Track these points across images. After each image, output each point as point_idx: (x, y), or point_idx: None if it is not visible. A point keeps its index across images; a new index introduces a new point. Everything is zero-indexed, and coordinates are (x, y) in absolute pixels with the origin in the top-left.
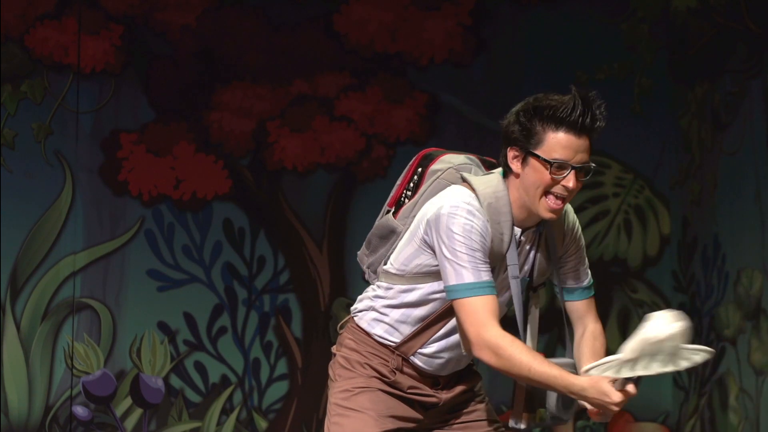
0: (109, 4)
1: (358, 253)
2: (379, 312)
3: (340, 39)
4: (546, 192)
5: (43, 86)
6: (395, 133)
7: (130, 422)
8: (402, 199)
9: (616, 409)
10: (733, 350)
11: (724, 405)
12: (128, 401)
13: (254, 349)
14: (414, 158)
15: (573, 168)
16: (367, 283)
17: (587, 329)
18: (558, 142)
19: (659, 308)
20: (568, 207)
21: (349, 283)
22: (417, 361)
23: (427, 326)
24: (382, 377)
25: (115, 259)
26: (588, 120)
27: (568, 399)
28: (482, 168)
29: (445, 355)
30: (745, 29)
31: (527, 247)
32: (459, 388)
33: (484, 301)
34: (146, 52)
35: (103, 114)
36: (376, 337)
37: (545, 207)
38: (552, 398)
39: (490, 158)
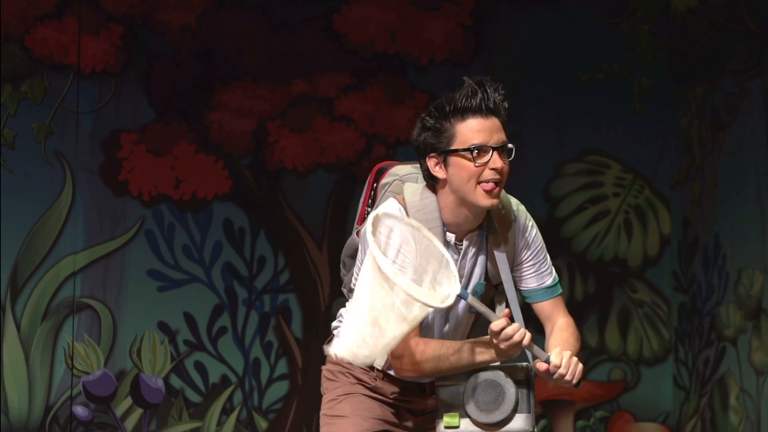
0: (109, 4)
1: (341, 272)
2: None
3: (340, 39)
4: (478, 182)
5: (43, 86)
6: (395, 133)
7: (131, 422)
8: (367, 215)
9: (513, 340)
10: (733, 350)
11: (725, 405)
12: (128, 401)
13: (254, 349)
14: (370, 174)
15: (494, 149)
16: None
17: (555, 324)
18: (470, 129)
19: (660, 308)
20: (519, 207)
21: None
22: (393, 373)
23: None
24: (364, 383)
25: (115, 259)
26: (489, 100)
27: (489, 400)
28: None
29: None
30: (746, 29)
31: (471, 252)
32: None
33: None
34: (146, 52)
35: (103, 114)
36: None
37: (481, 195)
38: (469, 401)
39: None
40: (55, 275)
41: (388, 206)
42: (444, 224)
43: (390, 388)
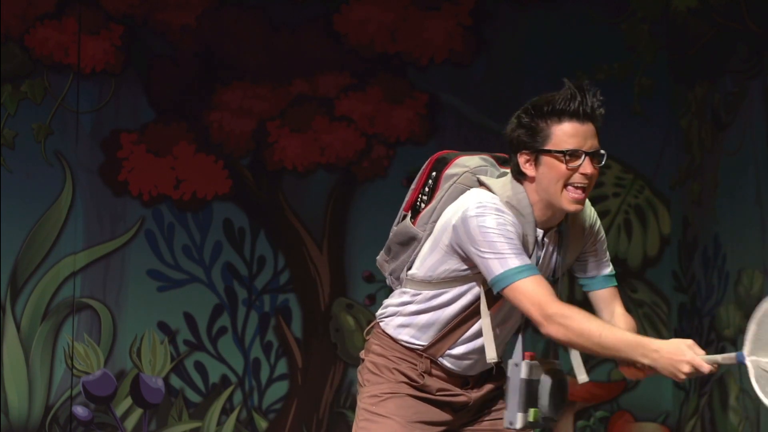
0: (109, 4)
1: (378, 258)
2: (406, 317)
3: (340, 39)
4: (566, 185)
5: (43, 86)
6: (395, 133)
7: (130, 422)
8: (418, 203)
9: (685, 370)
10: (733, 350)
11: (725, 405)
12: (128, 401)
13: (254, 349)
14: (427, 162)
15: (586, 154)
16: (367, 282)
17: (615, 312)
18: (565, 133)
19: (659, 308)
20: (591, 207)
21: (348, 283)
22: (445, 362)
23: (455, 326)
24: (410, 382)
25: (115, 259)
26: (588, 106)
27: (559, 398)
28: (497, 167)
29: (474, 356)
30: (746, 29)
31: (551, 248)
32: (488, 386)
33: (536, 281)
34: (146, 52)
35: (103, 114)
36: (403, 342)
37: (568, 200)
38: (545, 398)
39: (503, 154)
40: (55, 275)
41: (483, 196)
42: (535, 220)
43: (437, 385)
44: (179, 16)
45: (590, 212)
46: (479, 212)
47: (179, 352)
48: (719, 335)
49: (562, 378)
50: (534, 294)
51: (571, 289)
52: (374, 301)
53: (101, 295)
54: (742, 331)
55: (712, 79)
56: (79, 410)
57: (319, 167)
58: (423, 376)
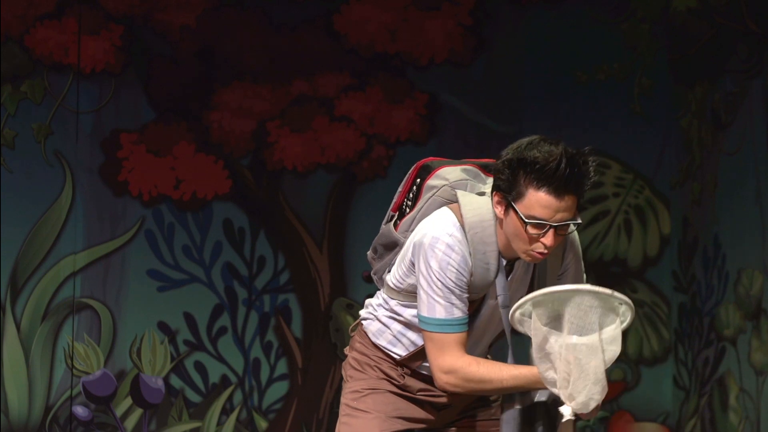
0: (109, 4)
1: (368, 254)
2: (382, 323)
3: (340, 39)
4: (532, 249)
5: (43, 86)
6: (395, 133)
7: (131, 422)
8: (404, 206)
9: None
10: (733, 350)
11: (725, 405)
12: (128, 401)
13: (254, 349)
14: (412, 168)
15: (551, 227)
16: (367, 282)
17: None
18: (537, 201)
19: (660, 308)
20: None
21: (348, 283)
22: (423, 372)
23: (423, 350)
24: (391, 380)
25: (115, 259)
26: (572, 182)
27: (551, 423)
28: (482, 177)
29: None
30: (746, 29)
31: (520, 272)
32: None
33: (453, 338)
34: (146, 52)
35: (103, 114)
36: (382, 348)
37: (525, 255)
38: (538, 426)
39: (489, 159)
40: (55, 275)
41: (443, 224)
42: (499, 249)
43: (417, 385)
44: (179, 16)
45: (569, 245)
46: (431, 245)
47: (179, 352)
48: (719, 335)
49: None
50: (441, 349)
51: None
52: None
53: (101, 295)
54: (742, 331)
55: (712, 79)
56: (79, 410)
57: (319, 167)
58: (403, 377)
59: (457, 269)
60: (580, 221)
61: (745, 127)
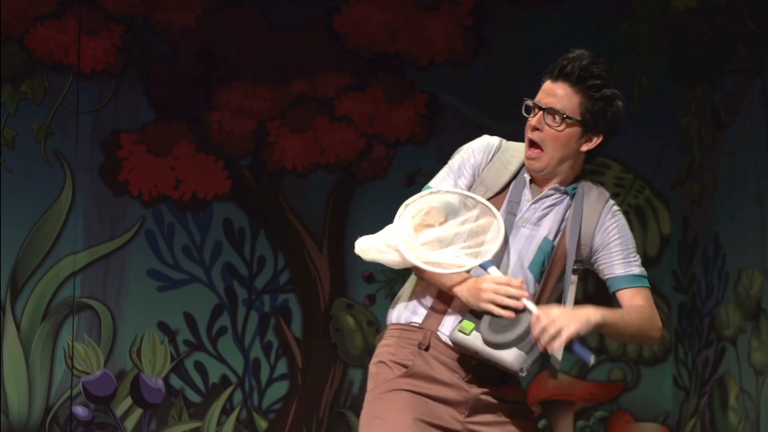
0: (109, 4)
1: None
2: (404, 298)
3: (340, 39)
4: (527, 138)
5: (43, 86)
6: (395, 134)
7: (130, 422)
8: None
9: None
10: (733, 350)
11: (725, 405)
12: (128, 401)
13: (254, 349)
14: None
15: (539, 109)
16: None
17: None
18: (542, 89)
19: (659, 308)
20: (615, 206)
21: (348, 283)
22: (443, 337)
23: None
24: (409, 371)
25: (115, 259)
26: (568, 69)
27: (499, 323)
28: None
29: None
30: (745, 29)
31: (548, 203)
32: (492, 390)
33: (426, 200)
34: (146, 52)
35: (103, 114)
36: (404, 323)
37: (525, 151)
38: (485, 322)
39: None
40: (55, 275)
41: (491, 138)
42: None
43: (437, 365)
44: (179, 16)
45: (611, 207)
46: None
47: (179, 352)
48: (719, 335)
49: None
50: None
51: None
52: (374, 301)
53: (101, 295)
54: (742, 331)
55: (712, 79)
56: (79, 410)
57: (319, 167)
58: (422, 354)
59: (472, 148)
60: (571, 116)
61: (745, 127)
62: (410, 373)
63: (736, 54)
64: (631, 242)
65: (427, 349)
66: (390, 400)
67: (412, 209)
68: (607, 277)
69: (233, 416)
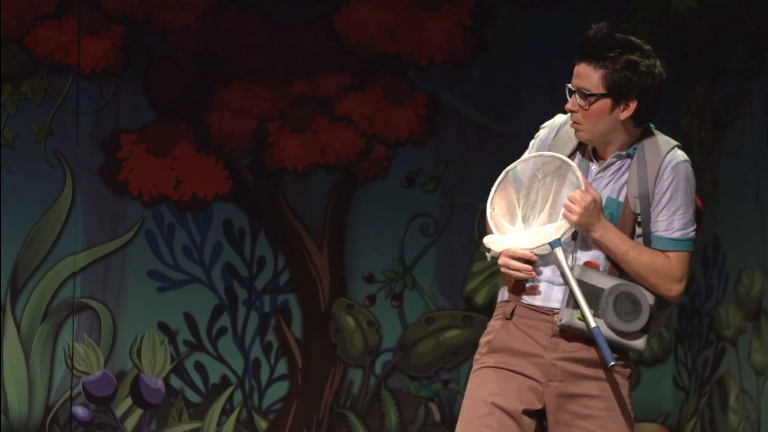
0: (110, 4)
1: None
2: (501, 280)
3: (340, 39)
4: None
5: (43, 87)
6: (395, 134)
7: (131, 423)
8: None
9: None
10: (733, 351)
11: (725, 405)
12: (128, 402)
13: (254, 349)
14: None
15: (571, 91)
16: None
17: None
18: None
19: None
20: (675, 155)
21: (349, 283)
22: (525, 298)
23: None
24: (493, 345)
25: (115, 259)
26: (584, 47)
27: (625, 309)
28: None
29: (542, 266)
30: (746, 29)
31: (614, 169)
32: (574, 353)
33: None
34: (146, 53)
35: (104, 114)
36: (498, 301)
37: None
38: (609, 309)
39: None
40: (55, 276)
41: (560, 116)
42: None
43: (513, 336)
44: (179, 17)
45: (668, 155)
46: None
47: (179, 352)
48: (719, 336)
49: (634, 293)
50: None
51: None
52: (374, 301)
53: (101, 296)
54: (742, 331)
55: (712, 80)
56: (79, 411)
57: (319, 167)
58: (506, 325)
59: (541, 128)
60: (594, 92)
61: (745, 127)
62: (492, 348)
63: (736, 54)
64: (680, 200)
65: (510, 318)
66: (472, 381)
67: (491, 200)
68: (651, 231)
69: (233, 417)
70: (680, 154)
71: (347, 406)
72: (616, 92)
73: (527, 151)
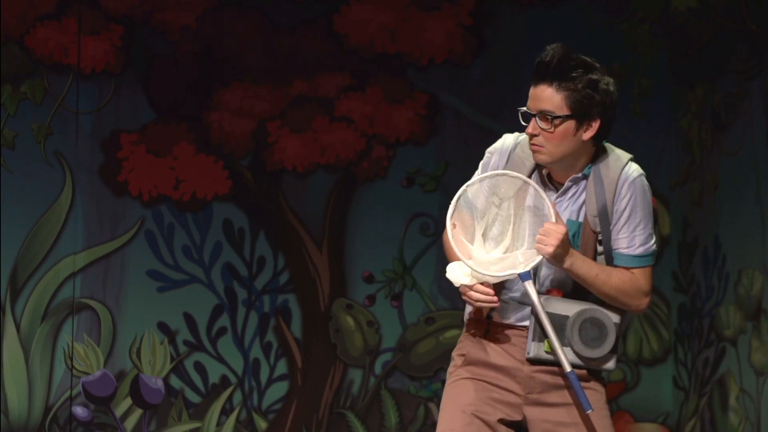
0: (109, 4)
1: None
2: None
3: (340, 39)
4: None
5: (43, 87)
6: (395, 134)
7: (130, 423)
8: None
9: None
10: (733, 351)
11: (725, 405)
12: (128, 402)
13: (254, 349)
14: None
15: (532, 115)
16: (367, 282)
17: None
18: (529, 94)
19: (659, 309)
20: (633, 171)
21: (348, 283)
22: (497, 316)
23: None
24: (469, 359)
25: (115, 259)
26: (544, 69)
27: (590, 336)
28: None
29: (512, 292)
30: (746, 29)
31: (572, 192)
32: (550, 373)
33: (456, 205)
34: (146, 53)
35: (103, 114)
36: (466, 318)
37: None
38: (575, 337)
39: None
40: (54, 276)
41: (508, 137)
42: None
43: (488, 351)
44: (179, 17)
45: (628, 177)
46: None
47: (179, 352)
48: (719, 336)
49: (592, 316)
50: None
51: None
52: (374, 301)
53: (101, 296)
54: (742, 331)
55: (712, 80)
56: (79, 411)
57: (319, 167)
58: (479, 341)
59: (490, 151)
60: (558, 114)
61: (745, 127)
62: (468, 361)
63: (736, 54)
64: (639, 215)
65: (484, 335)
66: (448, 391)
67: (450, 217)
68: (612, 249)
69: (233, 417)
70: (635, 169)
71: (347, 406)
72: (580, 113)
73: (476, 176)
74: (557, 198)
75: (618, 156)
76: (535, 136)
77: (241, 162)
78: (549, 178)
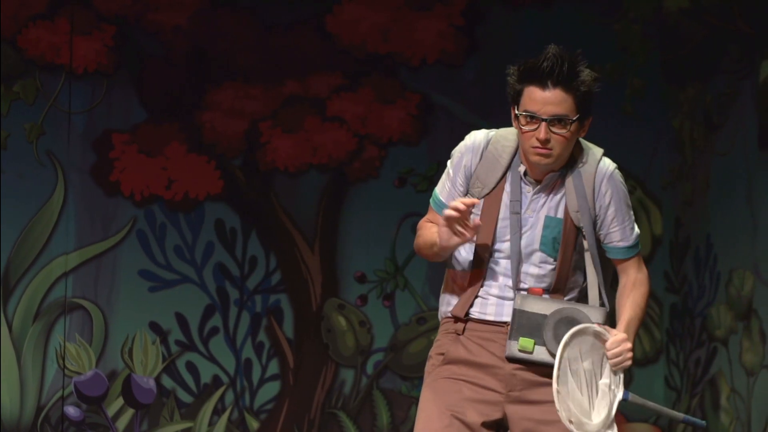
0: (102, 4)
1: None
2: (442, 294)
3: (332, 39)
4: (529, 145)
5: (35, 87)
6: (387, 134)
7: (122, 422)
8: None
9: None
10: (724, 351)
11: (716, 405)
12: (120, 401)
13: (246, 349)
14: None
15: (543, 120)
16: (359, 282)
17: (629, 278)
18: (529, 96)
19: (651, 309)
20: (608, 165)
21: (340, 283)
22: (476, 313)
23: (470, 275)
24: (449, 358)
25: (106, 259)
26: (558, 75)
27: (561, 330)
28: None
29: (488, 288)
30: (737, 30)
31: (549, 189)
32: (531, 370)
33: (430, 209)
34: (138, 53)
35: (95, 114)
36: (444, 316)
37: (531, 152)
38: (549, 335)
39: None
40: (46, 275)
41: (477, 134)
42: (521, 161)
43: (470, 349)
44: (171, 17)
45: (606, 174)
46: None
47: (171, 352)
48: (711, 336)
49: (575, 317)
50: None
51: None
52: (366, 301)
53: (93, 296)
54: (733, 331)
55: (704, 80)
56: (71, 410)
57: (311, 168)
58: (458, 339)
59: (461, 151)
60: (574, 118)
61: (736, 127)
62: (447, 360)
63: (727, 55)
64: (624, 207)
65: (461, 333)
66: (427, 392)
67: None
68: (605, 243)
69: (225, 416)
70: (609, 163)
71: (339, 406)
72: (585, 112)
73: (445, 176)
74: (534, 195)
75: (591, 151)
76: (548, 141)
77: (233, 162)
78: (525, 173)
